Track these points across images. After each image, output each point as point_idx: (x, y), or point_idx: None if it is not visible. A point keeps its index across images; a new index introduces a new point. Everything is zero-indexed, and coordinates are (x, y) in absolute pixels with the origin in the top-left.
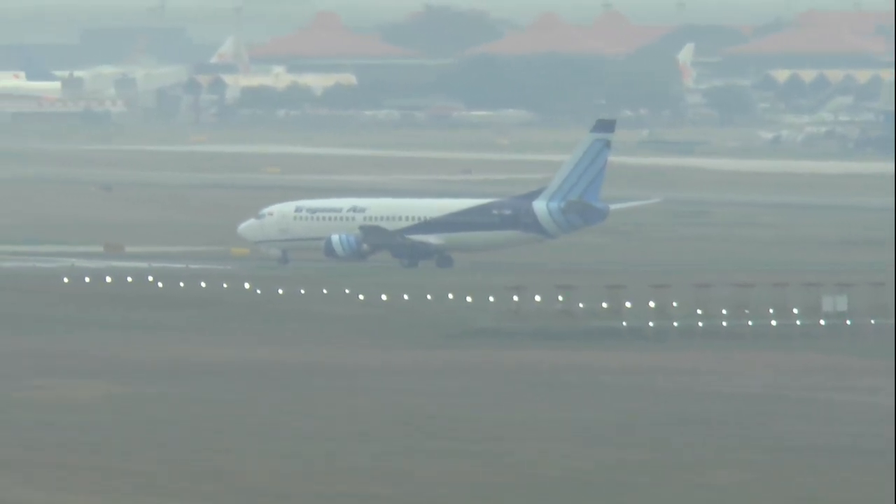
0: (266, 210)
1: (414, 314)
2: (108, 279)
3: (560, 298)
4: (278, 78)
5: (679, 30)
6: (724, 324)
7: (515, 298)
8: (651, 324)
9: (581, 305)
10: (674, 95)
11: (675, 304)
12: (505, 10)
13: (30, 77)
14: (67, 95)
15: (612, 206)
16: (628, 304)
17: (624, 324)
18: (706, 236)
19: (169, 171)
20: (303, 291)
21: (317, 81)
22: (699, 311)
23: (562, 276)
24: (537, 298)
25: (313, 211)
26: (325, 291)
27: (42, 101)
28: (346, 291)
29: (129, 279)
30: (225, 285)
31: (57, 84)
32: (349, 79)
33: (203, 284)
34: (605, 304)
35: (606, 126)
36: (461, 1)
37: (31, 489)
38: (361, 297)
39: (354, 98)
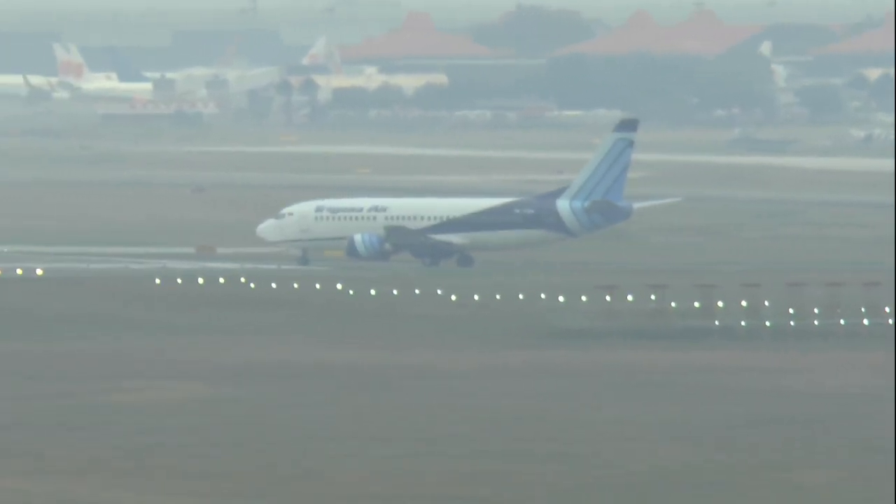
0: (286, 210)
1: (506, 315)
2: (201, 280)
3: (653, 297)
4: (370, 79)
5: (770, 29)
6: (817, 323)
7: (608, 298)
8: (743, 323)
9: (673, 305)
10: (765, 94)
11: (767, 303)
12: (596, 9)
13: (122, 78)
14: (159, 97)
15: (636, 205)
16: (720, 304)
17: (716, 323)
18: (798, 235)
19: (260, 171)
20: (395, 292)
21: (408, 82)
22: (791, 311)
23: (654, 275)
24: (629, 298)
25: (334, 211)
26: (416, 292)
27: (134, 103)
28: (439, 292)
29: (222, 280)
30: (318, 286)
31: (148, 85)
32: (440, 79)
33: (295, 285)
34: (696, 304)
35: (629, 125)
36: (552, 1)
37: (121, 491)
38: (454, 297)
39: (446, 98)
